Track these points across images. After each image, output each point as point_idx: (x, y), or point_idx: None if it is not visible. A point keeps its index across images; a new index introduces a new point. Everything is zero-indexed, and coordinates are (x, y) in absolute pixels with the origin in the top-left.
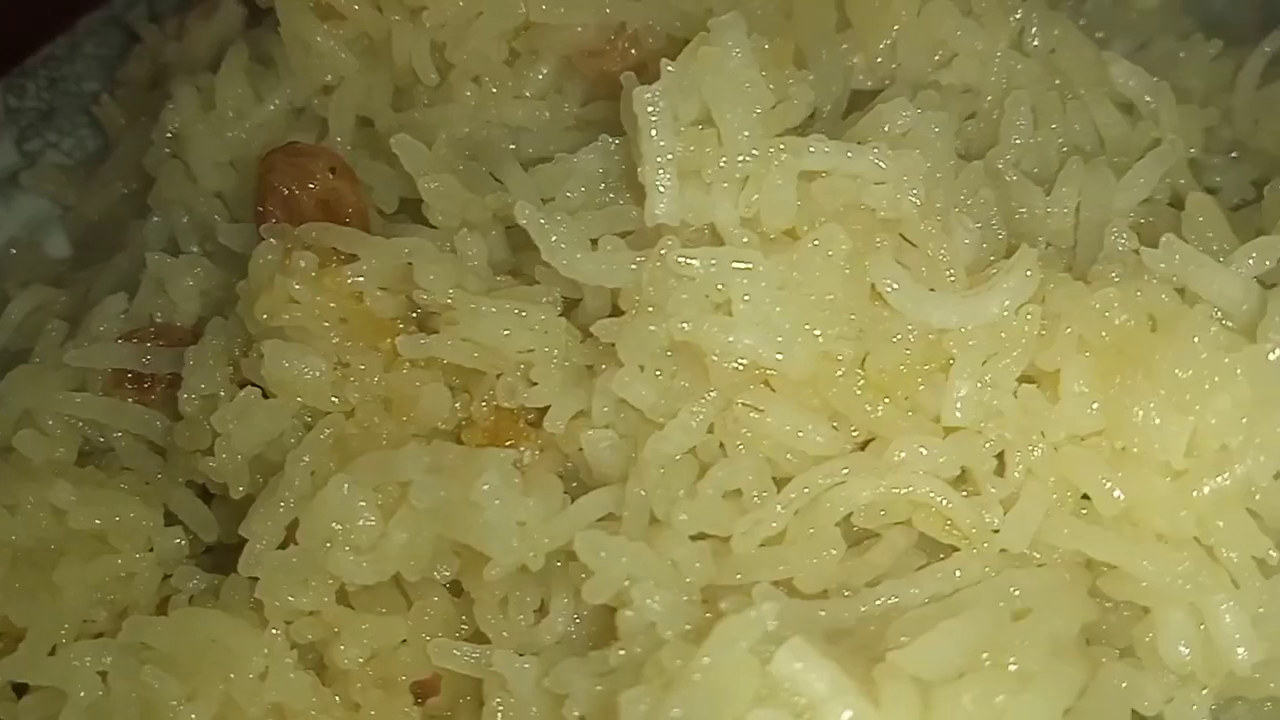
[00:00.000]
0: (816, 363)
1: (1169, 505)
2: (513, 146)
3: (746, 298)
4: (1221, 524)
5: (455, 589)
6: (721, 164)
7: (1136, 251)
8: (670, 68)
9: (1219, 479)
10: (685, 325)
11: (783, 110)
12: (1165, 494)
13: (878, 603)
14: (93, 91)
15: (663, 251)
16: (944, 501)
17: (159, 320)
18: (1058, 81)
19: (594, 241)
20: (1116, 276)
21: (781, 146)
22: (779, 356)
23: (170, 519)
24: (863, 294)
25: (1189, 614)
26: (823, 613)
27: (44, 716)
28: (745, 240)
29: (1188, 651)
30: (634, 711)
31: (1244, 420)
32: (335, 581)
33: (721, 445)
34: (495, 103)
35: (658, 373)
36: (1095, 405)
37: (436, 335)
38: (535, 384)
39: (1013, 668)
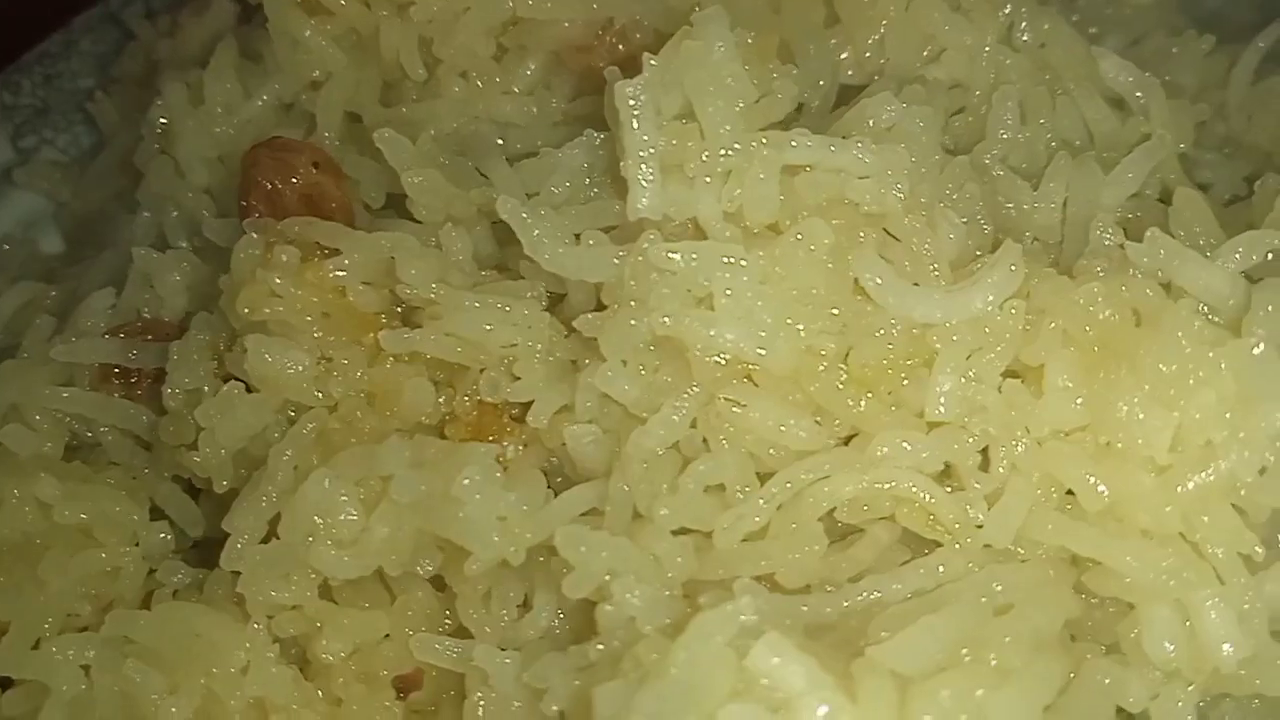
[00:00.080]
0: (799, 357)
1: (1153, 501)
2: (500, 142)
3: (728, 292)
4: (1206, 520)
5: (439, 584)
6: (704, 158)
7: (1122, 246)
8: (652, 62)
9: (1203, 474)
10: (667, 320)
11: (766, 104)
12: (1150, 489)
13: (860, 598)
14: (88, 88)
15: (645, 246)
16: (927, 497)
17: (146, 315)
18: (1047, 76)
19: (577, 236)
20: (1101, 271)
21: (764, 141)
22: (761, 351)
23: (156, 514)
24: (846, 288)
25: (1174, 610)
26: (804, 608)
27: (27, 710)
28: (728, 235)
29: (1173, 648)
30: (608, 705)
31: (1228, 415)
32: (317, 576)
33: (704, 440)
34: (483, 98)
35: (641, 368)
36: (1079, 400)
37: (419, 330)
38: (519, 379)
39: (993, 663)
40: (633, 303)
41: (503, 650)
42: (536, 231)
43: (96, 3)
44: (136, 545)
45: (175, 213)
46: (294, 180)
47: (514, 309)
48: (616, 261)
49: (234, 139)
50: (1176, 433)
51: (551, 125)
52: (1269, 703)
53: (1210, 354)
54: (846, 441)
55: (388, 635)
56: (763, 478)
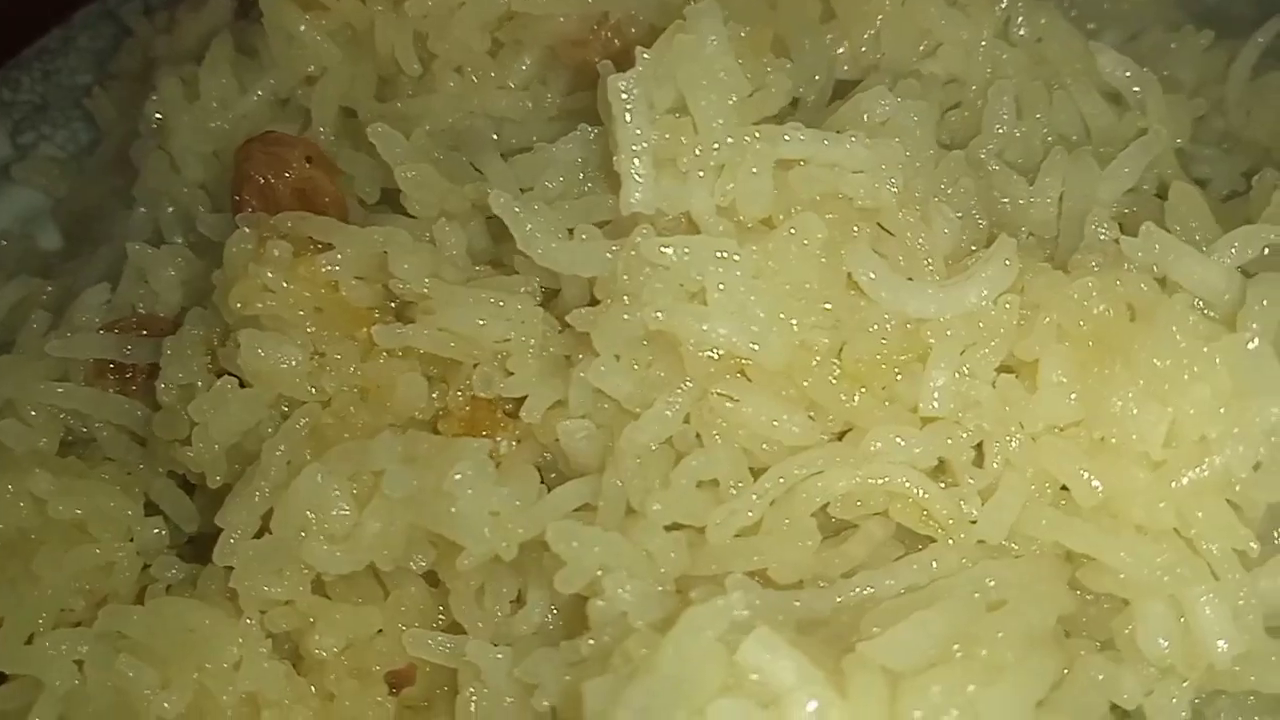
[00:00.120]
0: (792, 352)
1: (1148, 496)
2: (495, 137)
3: (721, 287)
4: (1201, 515)
5: (432, 579)
6: (696, 152)
7: (1116, 241)
8: (645, 55)
9: (1198, 470)
10: (659, 314)
11: (760, 98)
12: (1144, 485)
13: (852, 594)
14: (86, 85)
15: (637, 240)
16: (920, 492)
17: (141, 311)
18: (1044, 72)
19: (571, 231)
20: (1096, 266)
21: (757, 135)
22: (754, 346)
23: (152, 509)
24: (839, 283)
25: (1169, 606)
26: (797, 603)
27: (20, 705)
28: (721, 229)
29: (1167, 644)
30: (598, 700)
31: (1222, 411)
32: (310, 571)
33: (698, 435)
34: (478, 93)
35: (634, 364)
36: (1073, 395)
37: (413, 325)
38: (512, 374)
39: (984, 659)
40: (626, 298)
41: (495, 646)
42: (529, 226)
43: None
44: (131, 541)
45: (171, 208)
46: (287, 175)
47: (507, 304)
48: (609, 256)
49: (229, 134)
50: (1171, 428)
51: (547, 120)
52: (1265, 699)
53: (1205, 349)
54: (840, 437)
55: (381, 631)
56: (756, 473)
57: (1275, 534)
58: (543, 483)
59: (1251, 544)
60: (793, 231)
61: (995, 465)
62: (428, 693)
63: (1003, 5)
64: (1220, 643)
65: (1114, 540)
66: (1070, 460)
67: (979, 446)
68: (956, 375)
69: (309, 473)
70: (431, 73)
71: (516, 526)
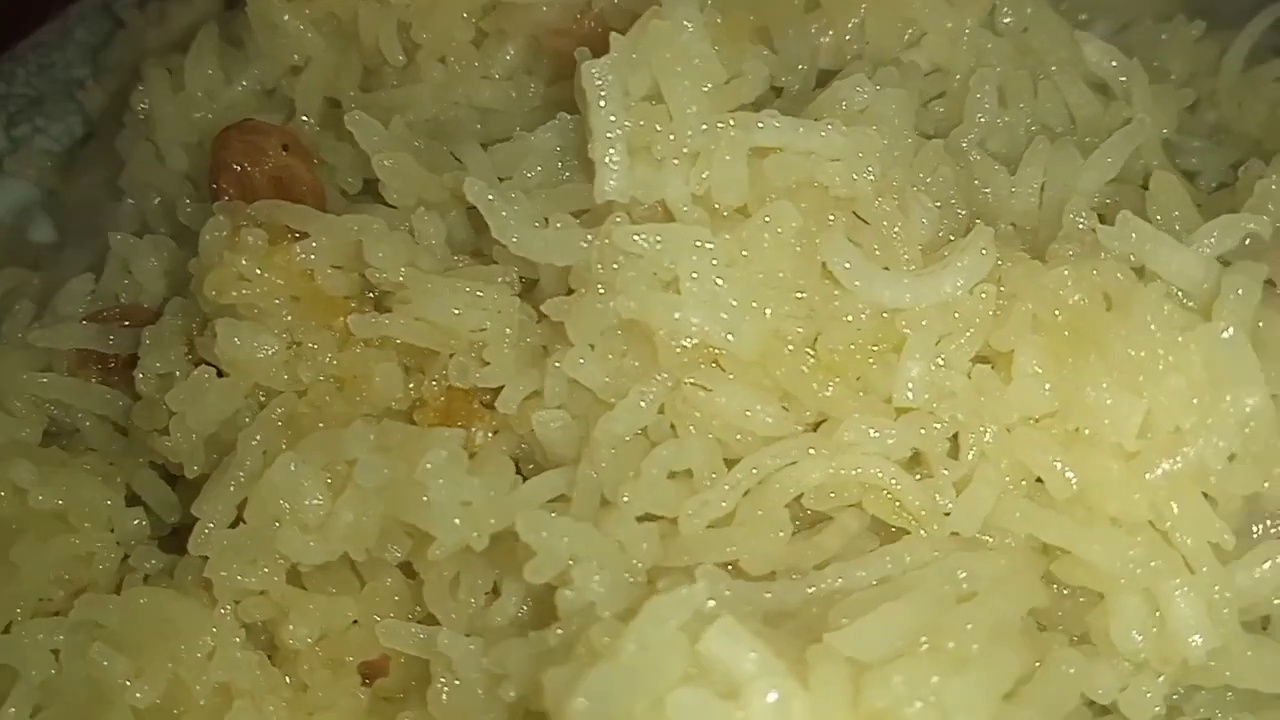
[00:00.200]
0: (766, 342)
1: (1122, 488)
2: (480, 127)
3: (694, 275)
4: (1176, 508)
5: (409, 571)
6: (671, 139)
7: (1094, 230)
8: (619, 41)
9: (1172, 461)
10: (632, 303)
11: (736, 86)
12: (1118, 477)
13: (824, 585)
14: (81, 78)
15: (610, 228)
16: (893, 483)
17: (124, 301)
18: (1030, 61)
19: (548, 220)
20: (1073, 255)
21: (731, 122)
22: (727, 336)
23: (135, 500)
24: (814, 272)
25: (1143, 600)
26: (768, 595)
27: None
28: (696, 217)
29: (1141, 638)
30: (557, 689)
31: (1195, 401)
32: (286, 561)
33: (673, 426)
34: (462, 83)
35: (609, 353)
36: (1048, 386)
37: (389, 314)
38: (488, 364)
39: (951, 650)
40: (599, 287)
41: (468, 637)
42: (504, 214)
43: None
44: (111, 531)
45: (157, 199)
46: (264, 163)
47: (484, 294)
48: (584, 245)
49: (214, 124)
50: (1145, 419)
51: (530, 111)
52: (1243, 694)
53: (1179, 339)
54: (815, 427)
55: (356, 621)
56: (731, 464)
57: (1255, 528)
58: (520, 474)
59: (1226, 536)
60: (767, 220)
61: (970, 456)
62: (402, 684)
63: None
64: (1194, 637)
65: (1088, 532)
66: (1044, 451)
67: (954, 438)
68: (931, 366)
69: (282, 462)
70: (415, 63)
71: (488, 517)
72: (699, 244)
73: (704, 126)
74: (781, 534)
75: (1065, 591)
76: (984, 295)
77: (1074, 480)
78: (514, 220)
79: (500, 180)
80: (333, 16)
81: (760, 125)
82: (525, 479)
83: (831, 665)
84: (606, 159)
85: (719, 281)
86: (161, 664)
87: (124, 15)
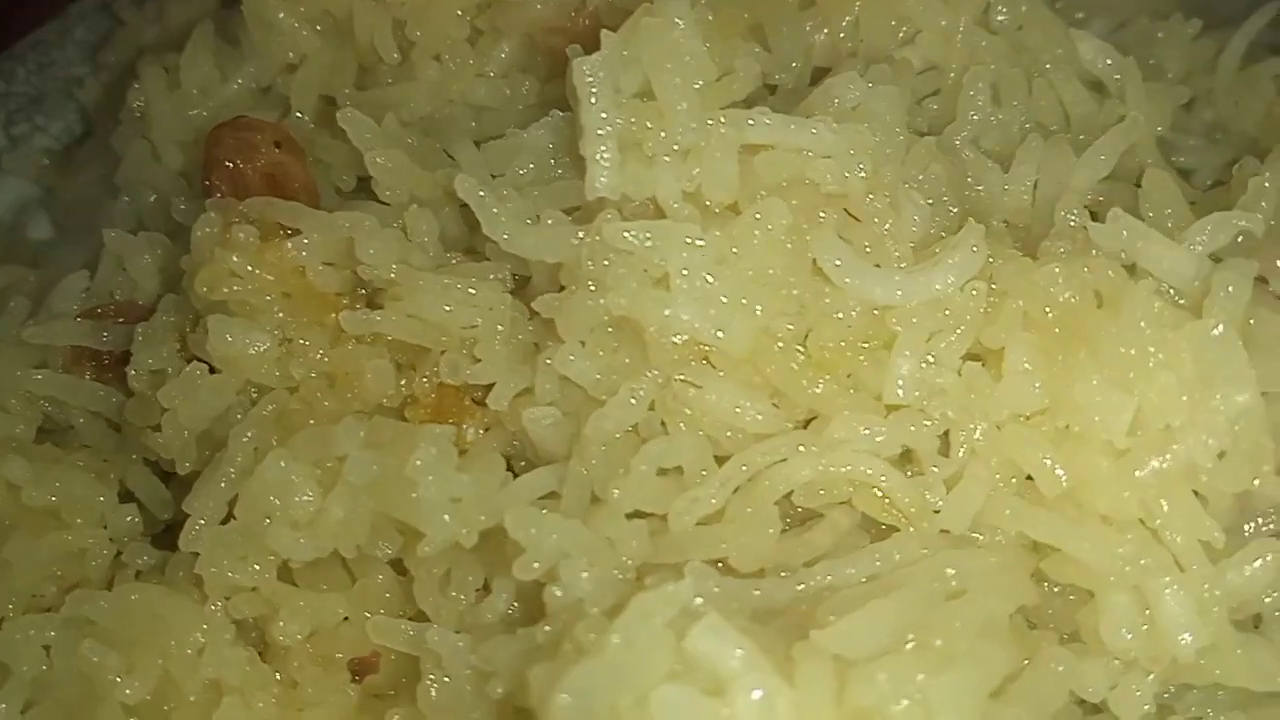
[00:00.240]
0: (756, 339)
1: (1112, 486)
2: (474, 125)
3: (684, 272)
4: (1166, 505)
5: (400, 567)
6: (662, 136)
7: (1084, 227)
8: (611, 38)
9: (1161, 459)
10: (622, 300)
11: (727, 83)
12: (1107, 474)
13: (813, 583)
14: (80, 77)
15: (601, 225)
16: (883, 480)
17: (119, 298)
18: (1025, 59)
19: (539, 216)
20: (1064, 252)
21: (722, 119)
22: (717, 333)
23: (129, 497)
24: (804, 269)
25: (1133, 598)
26: (756, 592)
27: None
28: (686, 215)
29: (1131, 636)
30: (542, 685)
31: (1185, 399)
32: (277, 558)
33: (663, 423)
34: (457, 81)
35: (600, 350)
36: (1038, 384)
37: (381, 311)
38: (480, 361)
39: (938, 648)
40: (590, 283)
41: (458, 634)
42: (494, 211)
43: None
44: (104, 528)
45: (153, 196)
46: (256, 160)
47: (476, 291)
48: (575, 242)
49: (209, 122)
50: (1135, 416)
51: (526, 108)
52: (1234, 693)
53: (1169, 336)
54: (805, 424)
55: (347, 618)
56: (721, 461)
57: (1246, 526)
58: (513, 471)
59: (1216, 534)
60: (758, 217)
61: (960, 454)
62: (393, 680)
63: None
64: (1184, 635)
65: (1077, 530)
66: (1035, 449)
67: (945, 435)
68: (921, 363)
69: (273, 459)
70: (410, 61)
71: (478, 513)
72: (689, 241)
73: (695, 124)
74: (771, 531)
75: (1055, 589)
76: (975, 292)
77: (1064, 478)
78: (505, 217)
79: (493, 177)
80: (328, 14)
81: (751, 122)
82: (517, 476)
83: (817, 662)
84: (597, 156)
85: (709, 278)
86: (152, 660)
87: (123, 14)
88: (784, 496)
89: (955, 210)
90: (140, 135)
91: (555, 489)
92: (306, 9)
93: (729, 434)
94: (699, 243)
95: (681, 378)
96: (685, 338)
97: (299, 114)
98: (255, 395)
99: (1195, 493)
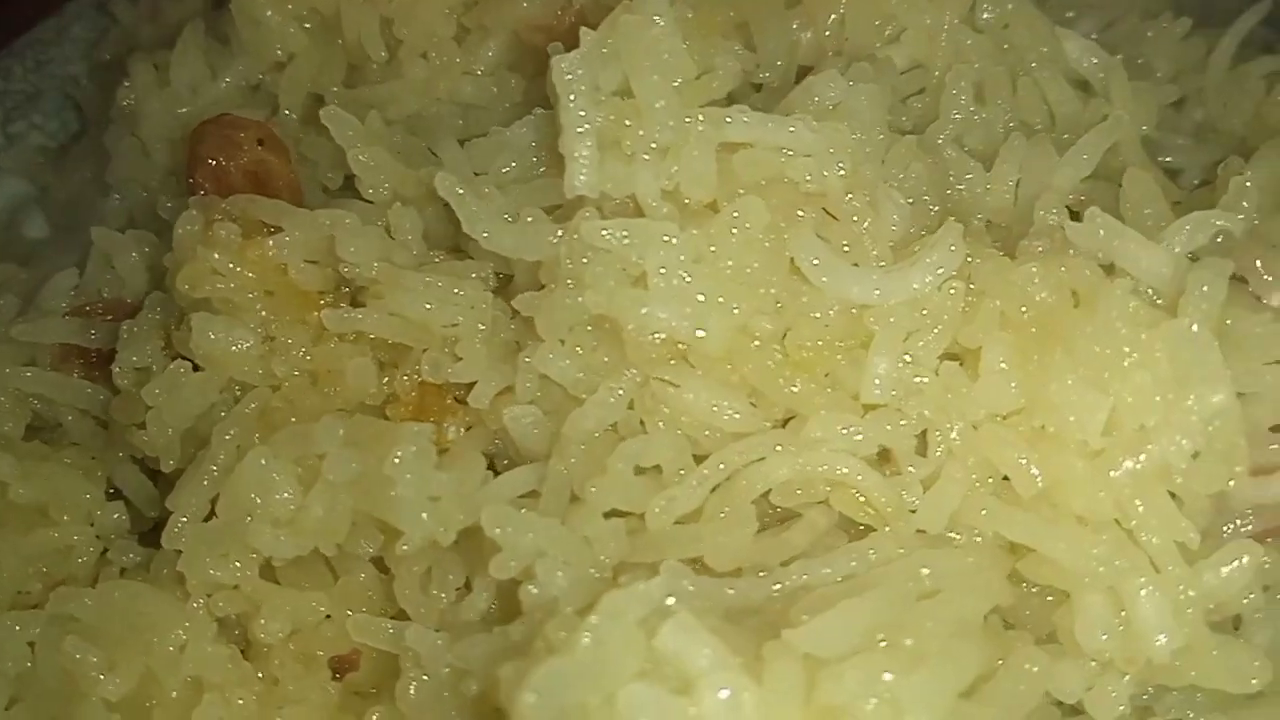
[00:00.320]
0: (733, 337)
1: (1087, 486)
2: (461, 123)
3: (662, 271)
4: (1141, 506)
5: (383, 566)
6: (641, 134)
7: (1062, 226)
8: (589, 36)
9: (1135, 460)
10: (600, 298)
11: (706, 81)
12: (1082, 474)
13: (788, 582)
14: (76, 74)
15: (579, 223)
16: (859, 480)
17: (107, 295)
18: (1010, 57)
19: (519, 214)
20: (1042, 251)
21: (700, 118)
22: (695, 331)
23: (116, 494)
24: (782, 268)
25: (1108, 599)
26: (731, 591)
27: None
28: (665, 213)
29: (1106, 637)
30: (510, 682)
31: (1158, 399)
32: (259, 556)
33: (642, 422)
34: (444, 79)
35: (579, 349)
36: (1014, 383)
37: (362, 309)
38: (461, 359)
39: (908, 647)
40: (569, 281)
41: (438, 632)
42: (474, 209)
43: None
44: (91, 525)
45: (144, 194)
46: (239, 158)
47: (457, 289)
48: (554, 240)
49: (198, 120)
50: (1110, 416)
51: (512, 106)
52: (1214, 695)
53: (1144, 336)
54: (784, 424)
55: (329, 616)
56: (700, 460)
57: (1225, 528)
58: (496, 470)
59: (1191, 535)
60: (735, 215)
61: (938, 454)
62: (375, 678)
63: None
64: (1159, 637)
65: (1052, 530)
66: (1010, 449)
67: (923, 435)
68: (899, 363)
69: (254, 456)
70: (398, 59)
71: (456, 512)
72: (666, 239)
73: (673, 122)
74: (748, 530)
75: (1033, 590)
76: (953, 292)
77: (1039, 478)
78: (484, 215)
79: (476, 175)
80: (316, 12)
81: (729, 120)
82: (499, 475)
83: (787, 661)
84: (576, 154)
85: (686, 277)
86: (134, 657)
87: (118, 12)
88: (762, 496)
89: (936, 209)
90: (131, 133)
91: (536, 488)
92: (294, 7)
93: (707, 433)
94: (675, 241)
95: (660, 377)
96: (664, 336)
97: (287, 112)
98: (239, 393)
99: (1172, 494)
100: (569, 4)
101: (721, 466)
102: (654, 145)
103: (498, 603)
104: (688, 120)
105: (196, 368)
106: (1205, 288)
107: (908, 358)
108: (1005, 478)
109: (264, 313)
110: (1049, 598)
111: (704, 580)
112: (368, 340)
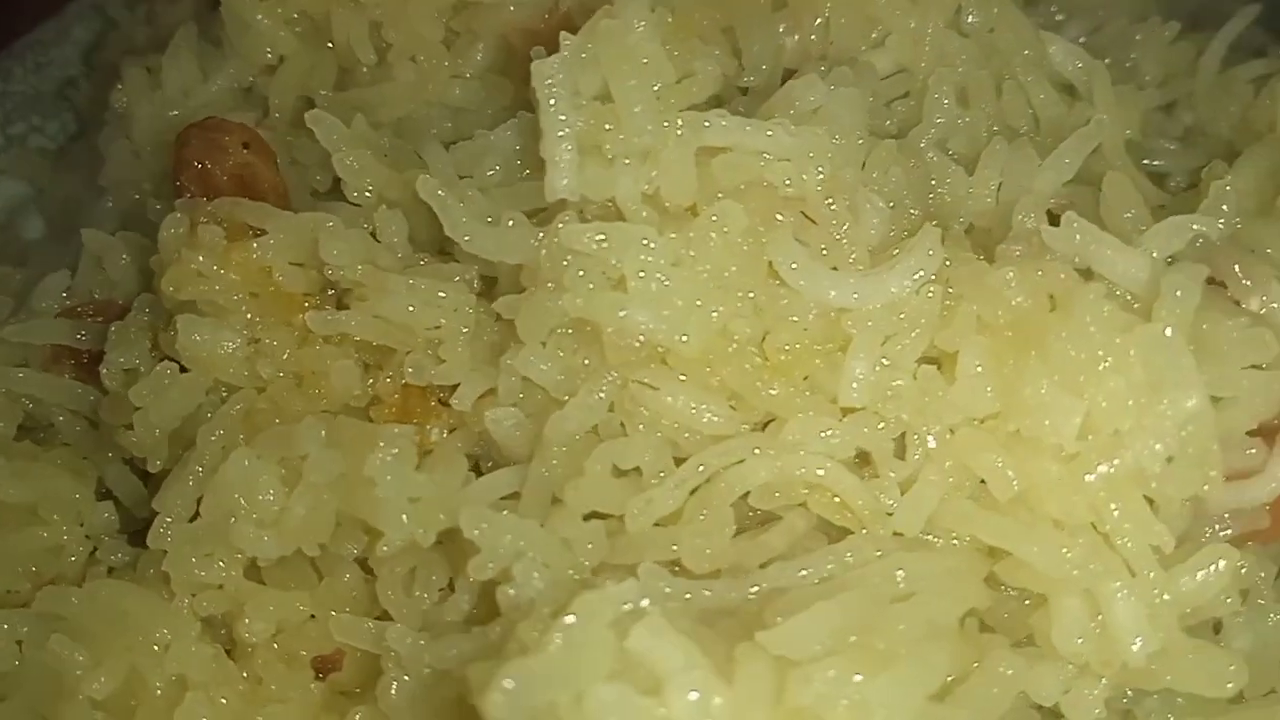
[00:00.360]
0: (712, 341)
1: (1062, 490)
2: (450, 126)
3: (641, 274)
4: (1116, 510)
5: (368, 566)
6: (621, 138)
7: (1039, 231)
8: (569, 41)
9: (1109, 464)
10: (579, 301)
11: (686, 85)
12: (1057, 479)
13: (765, 584)
14: (75, 77)
15: (559, 227)
16: (837, 483)
17: (98, 297)
18: (995, 61)
19: (501, 217)
20: (1019, 255)
21: (679, 122)
22: (679, 336)
23: (108, 494)
24: (761, 272)
25: (1084, 602)
26: (707, 593)
27: None
28: (645, 216)
29: (1082, 641)
30: (481, 681)
31: (1130, 404)
32: (243, 556)
33: (623, 424)
34: (433, 82)
35: (559, 351)
36: (990, 387)
37: (346, 311)
38: (444, 361)
39: (880, 650)
40: (549, 284)
41: (419, 633)
42: (457, 212)
43: None
44: (81, 525)
45: (136, 196)
46: (224, 161)
47: (441, 291)
48: (535, 243)
49: (189, 123)
50: (1085, 420)
51: (501, 109)
52: (1194, 699)
53: (1118, 340)
54: (763, 427)
55: (314, 616)
56: (680, 462)
57: (1205, 532)
58: (480, 472)
59: (1166, 539)
60: (714, 219)
61: (916, 457)
62: (358, 678)
63: None
64: (1135, 640)
65: (1028, 534)
66: (987, 453)
67: (902, 438)
68: (876, 366)
69: (237, 457)
70: (387, 62)
71: (437, 513)
72: (645, 242)
73: (652, 126)
74: (726, 532)
75: (1011, 593)
76: (930, 295)
77: (1015, 481)
78: (466, 218)
79: (461, 178)
80: (305, 16)
81: (707, 125)
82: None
83: (758, 663)
84: (557, 158)
85: (665, 280)
86: (119, 656)
87: (115, 15)
88: (741, 498)
89: (916, 213)
90: (123, 135)
91: (517, 489)
92: (284, 10)
93: (687, 435)
94: (653, 244)
95: (639, 379)
96: (643, 339)
97: (278, 115)
98: (224, 394)
99: (1148, 499)
100: (555, 8)
101: (700, 469)
102: (634, 149)
103: (480, 604)
104: (666, 124)
105: (183, 369)
106: (1179, 292)
107: (885, 361)
108: (982, 481)
109: (249, 315)
110: (1026, 601)
111: (680, 582)
112: (352, 342)
